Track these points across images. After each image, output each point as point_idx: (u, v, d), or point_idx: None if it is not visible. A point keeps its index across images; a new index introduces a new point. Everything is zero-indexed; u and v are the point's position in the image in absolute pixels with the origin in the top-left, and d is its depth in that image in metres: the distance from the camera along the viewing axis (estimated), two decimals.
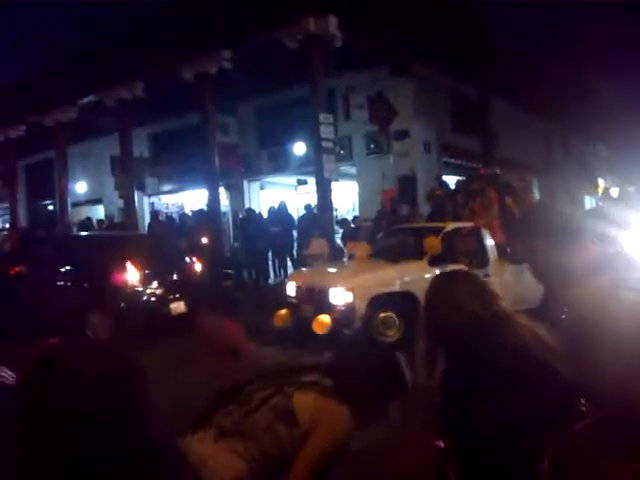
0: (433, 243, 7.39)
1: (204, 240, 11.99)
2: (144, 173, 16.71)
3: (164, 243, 10.25)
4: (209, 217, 13.53)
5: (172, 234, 12.47)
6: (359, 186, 15.35)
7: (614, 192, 12.22)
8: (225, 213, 16.30)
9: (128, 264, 7.80)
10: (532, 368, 1.52)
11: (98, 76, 14.38)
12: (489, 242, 7.78)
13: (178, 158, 17.19)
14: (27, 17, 19.04)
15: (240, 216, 14.99)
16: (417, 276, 7.18)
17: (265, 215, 13.66)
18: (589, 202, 20.25)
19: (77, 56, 15.03)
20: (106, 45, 14.17)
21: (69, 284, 7.93)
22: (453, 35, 13.23)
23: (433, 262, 7.25)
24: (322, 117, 11.40)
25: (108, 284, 7.66)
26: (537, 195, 19.47)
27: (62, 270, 8.09)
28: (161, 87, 13.97)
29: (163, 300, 8.05)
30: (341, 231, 13.13)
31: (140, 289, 7.91)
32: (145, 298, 7.95)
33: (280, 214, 13.06)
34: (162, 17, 13.18)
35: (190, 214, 15.28)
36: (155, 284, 8.12)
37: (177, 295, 8.18)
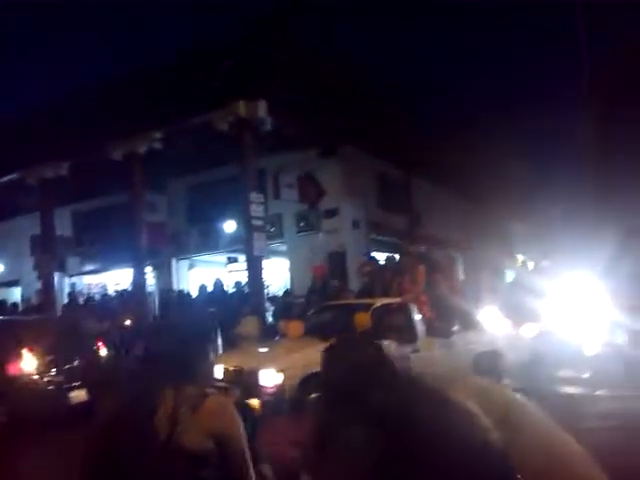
0: (363, 319, 7.45)
1: (127, 322, 11.47)
2: (66, 253, 16.06)
3: (68, 327, 9.75)
4: (134, 297, 13.03)
5: (93, 316, 11.88)
6: (290, 263, 15.41)
7: (530, 265, 12.96)
8: (151, 293, 15.78)
9: (24, 351, 7.34)
10: None
11: (20, 154, 13.99)
12: (417, 317, 7.89)
13: (103, 237, 16.73)
14: None
15: (171, 295, 14.56)
16: None
17: (196, 294, 13.33)
18: (510, 274, 21.17)
19: None
20: (29, 123, 13.91)
21: None
22: (378, 120, 14.01)
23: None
24: (252, 196, 11.53)
25: (2, 372, 7.18)
26: (461, 270, 20.26)
27: None
28: (87, 166, 13.73)
29: (62, 388, 7.61)
30: (272, 308, 12.97)
31: (36, 377, 7.46)
32: (42, 386, 7.48)
33: (215, 293, 12.77)
34: (89, 97, 13.18)
35: (113, 295, 14.66)
36: (54, 371, 7.68)
37: (78, 382, 7.77)
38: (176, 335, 1.79)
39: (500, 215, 23.41)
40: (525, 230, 27.00)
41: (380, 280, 10.00)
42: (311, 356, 7.14)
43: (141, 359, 1.70)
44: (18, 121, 14.55)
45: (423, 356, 7.03)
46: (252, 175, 11.83)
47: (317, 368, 6.36)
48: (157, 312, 15.91)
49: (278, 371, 6.64)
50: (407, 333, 7.42)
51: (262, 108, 11.64)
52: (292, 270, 15.30)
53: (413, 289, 9.11)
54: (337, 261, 14.00)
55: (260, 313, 10.99)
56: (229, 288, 13.16)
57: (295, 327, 8.41)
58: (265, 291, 13.74)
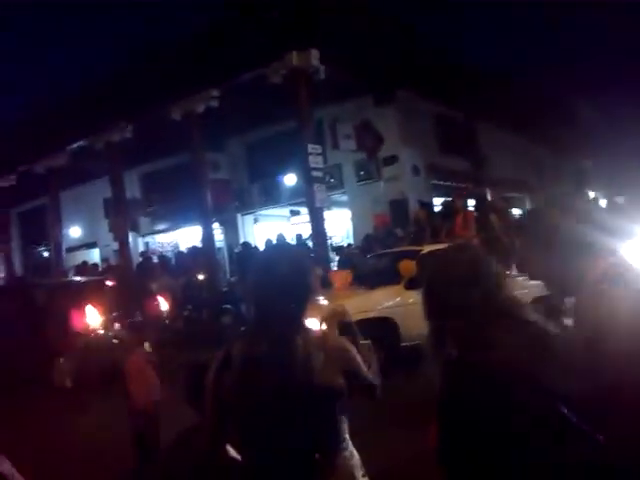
0: (408, 267, 7.38)
1: (201, 277, 11.96)
2: (137, 214, 16.76)
3: (129, 285, 10.32)
4: (204, 253, 13.51)
5: (167, 272, 12.45)
6: (352, 213, 15.42)
7: (602, 203, 12.37)
8: (220, 249, 16.30)
9: (89, 307, 7.83)
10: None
11: (86, 121, 14.54)
12: None
13: (170, 197, 17.27)
14: (13, 66, 19.40)
15: (235, 250, 14.98)
16: (393, 301, 7.19)
17: (262, 248, 13.64)
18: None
19: (64, 102, 15.21)
20: (93, 90, 14.37)
21: (31, 332, 7.89)
22: (435, 61, 13.51)
23: (410, 286, 7.23)
24: (310, 148, 11.52)
25: (70, 329, 7.71)
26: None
27: (23, 319, 8.09)
28: (150, 128, 14.10)
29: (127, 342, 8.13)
30: (337, 258, 13.12)
31: (102, 331, 7.97)
32: (107, 340, 7.97)
33: None
34: (147, 60, 13.41)
35: (185, 252, 15.26)
36: (118, 326, 8.18)
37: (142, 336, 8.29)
38: (287, 262, 1.75)
39: (569, 154, 22.33)
40: (596, 167, 25.69)
41: (431, 226, 9.85)
42: (354, 304, 7.02)
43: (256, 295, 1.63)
44: (83, 89, 15.07)
45: None
46: (309, 127, 11.78)
47: (360, 316, 6.36)
48: (227, 266, 16.50)
49: (319, 320, 6.60)
50: None
51: (314, 57, 11.46)
52: (354, 220, 15.32)
53: (464, 233, 8.93)
54: (399, 209, 13.88)
55: (324, 264, 11.16)
56: (292, 241, 13.38)
57: (341, 277, 8.38)
58: (328, 242, 13.89)
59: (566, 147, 21.10)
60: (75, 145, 16.07)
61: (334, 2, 11.32)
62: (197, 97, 12.99)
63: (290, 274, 1.72)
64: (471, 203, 11.26)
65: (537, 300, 7.81)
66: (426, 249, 8.07)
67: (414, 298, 7.17)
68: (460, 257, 1.58)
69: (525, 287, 8.60)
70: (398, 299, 7.20)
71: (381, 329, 6.92)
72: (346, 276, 8.44)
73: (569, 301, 1.50)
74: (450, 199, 11.48)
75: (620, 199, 10.75)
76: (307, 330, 1.73)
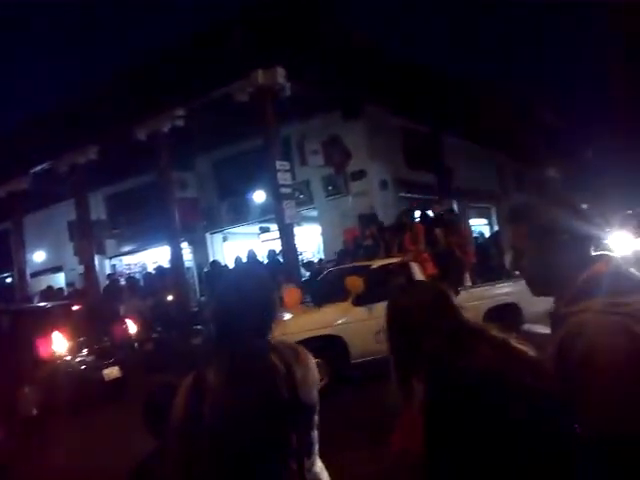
0: (355, 283, 7.38)
1: (170, 297, 11.77)
2: (103, 236, 16.47)
3: (97, 308, 10.16)
4: (173, 274, 13.33)
5: (135, 295, 12.24)
6: (322, 228, 15.46)
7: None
8: (189, 268, 16.11)
9: (55, 334, 7.67)
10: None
11: (50, 144, 14.29)
12: (419, 276, 7.70)
13: (137, 218, 17.06)
14: None
15: (205, 269, 14.82)
16: (341, 318, 7.18)
17: (231, 266, 13.52)
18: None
19: (26, 125, 14.93)
20: (57, 112, 14.16)
21: None
22: (400, 77, 13.73)
23: (358, 302, 7.26)
24: (278, 164, 11.53)
25: (35, 356, 7.52)
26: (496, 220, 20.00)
27: None
28: (115, 149, 13.93)
29: (95, 367, 8.02)
30: (307, 274, 13.10)
31: (69, 358, 7.82)
32: (75, 367, 7.85)
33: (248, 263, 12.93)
34: (111, 81, 13.29)
35: (153, 272, 15.03)
36: (85, 351, 8.08)
37: (111, 360, 8.19)
38: (255, 280, 1.76)
39: (533, 162, 22.89)
40: (559, 177, 26.40)
41: (383, 241, 9.93)
42: (300, 322, 7.13)
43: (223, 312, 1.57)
44: (46, 111, 14.82)
45: None
46: (276, 143, 11.80)
47: (306, 334, 6.29)
48: (197, 286, 16.28)
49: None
50: None
51: (280, 74, 11.53)
52: (324, 235, 15.36)
53: (413, 247, 9.01)
54: (368, 223, 13.97)
55: (295, 280, 11.12)
56: (263, 258, 13.31)
57: (290, 294, 8.28)
58: (299, 258, 13.86)
59: (530, 157, 21.64)
60: (38, 168, 15.76)
61: (300, 20, 11.43)
62: (163, 117, 12.91)
63: (257, 291, 1.72)
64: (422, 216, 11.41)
65: (492, 310, 7.95)
66: (376, 264, 8.12)
67: (362, 314, 7.20)
68: (428, 287, 1.71)
69: (481, 298, 8.70)
70: (346, 316, 7.20)
71: (330, 347, 6.93)
72: (296, 293, 8.37)
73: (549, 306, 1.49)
74: (400, 213, 11.59)
75: (584, 206, 11.06)
76: (278, 345, 1.70)
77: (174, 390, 1.69)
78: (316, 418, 1.70)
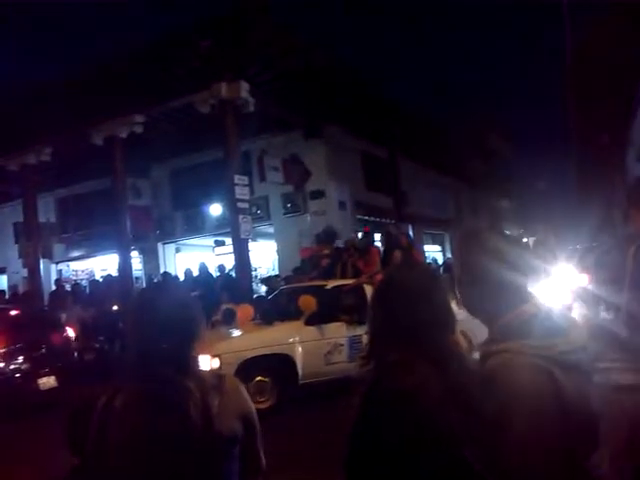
0: (308, 302, 7.38)
1: (114, 307, 11.42)
2: (51, 239, 15.92)
3: (35, 315, 9.80)
4: (121, 283, 12.95)
5: (79, 302, 11.83)
6: (278, 245, 15.39)
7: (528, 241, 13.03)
8: (139, 278, 15.71)
9: None
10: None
11: (1, 141, 13.76)
12: None
13: (88, 223, 16.62)
14: None
15: (155, 280, 14.47)
16: (292, 337, 7.12)
17: (182, 278, 13.27)
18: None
19: None
20: (8, 108, 13.66)
21: None
22: (361, 100, 13.93)
23: (310, 321, 7.24)
24: (237, 178, 11.44)
25: None
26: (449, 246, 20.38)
27: None
28: (69, 151, 13.54)
29: (30, 375, 7.74)
30: (264, 290, 12.95)
31: (2, 365, 7.54)
32: (8, 374, 7.57)
33: (200, 277, 12.73)
34: (70, 81, 12.94)
35: (100, 280, 14.58)
36: (21, 359, 7.79)
37: (46, 369, 7.93)
38: (171, 300, 1.66)
39: (487, 192, 23.52)
40: (511, 206, 27.20)
41: (338, 262, 9.99)
42: (250, 340, 7.09)
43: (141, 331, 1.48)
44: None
45: None
46: (236, 157, 11.71)
47: (255, 353, 6.20)
48: None
49: (213, 356, 6.35)
50: (360, 314, 7.08)
51: (244, 89, 11.49)
52: (280, 252, 15.28)
53: (367, 269, 9.12)
54: (327, 241, 13.99)
55: (247, 296, 10.97)
56: (215, 272, 13.12)
57: (242, 312, 8.23)
58: (253, 274, 13.72)
59: (484, 186, 22.25)
60: None
61: (266, 37, 11.46)
62: (120, 122, 12.65)
63: (172, 311, 1.61)
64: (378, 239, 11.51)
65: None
66: (330, 284, 8.12)
67: (313, 334, 7.18)
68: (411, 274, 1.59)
69: None
70: (297, 336, 7.14)
71: (279, 366, 6.86)
72: (248, 311, 8.29)
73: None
74: (352, 236, 11.68)
75: (532, 239, 11.43)
76: (199, 371, 1.62)
77: (93, 407, 1.58)
78: (238, 450, 1.60)
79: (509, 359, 1.32)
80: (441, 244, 21.38)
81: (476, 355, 1.54)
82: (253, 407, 1.69)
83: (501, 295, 1.44)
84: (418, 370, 1.36)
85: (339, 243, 11.98)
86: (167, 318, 1.59)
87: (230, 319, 8.22)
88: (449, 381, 1.35)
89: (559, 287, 6.04)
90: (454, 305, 1.54)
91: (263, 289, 12.87)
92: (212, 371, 1.69)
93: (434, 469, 1.30)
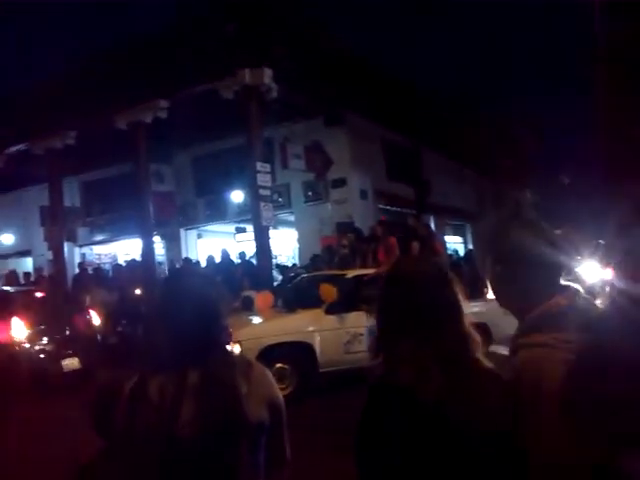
0: (329, 291, 7.38)
1: (138, 291, 11.53)
2: (75, 223, 16.14)
3: (60, 297, 10.00)
4: (143, 267, 13.09)
5: (102, 286, 11.99)
6: (298, 233, 15.38)
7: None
8: (161, 263, 15.87)
9: (14, 319, 7.50)
10: None
11: (26, 125, 13.97)
12: None
13: (111, 207, 16.79)
14: None
15: (177, 266, 14.60)
16: (312, 326, 7.13)
17: (204, 264, 13.37)
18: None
19: (4, 104, 14.55)
20: (35, 93, 13.83)
21: None
22: (384, 88, 13.79)
23: (330, 310, 7.24)
24: (259, 165, 11.44)
25: None
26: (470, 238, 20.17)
27: None
28: (94, 136, 13.66)
29: (54, 356, 7.88)
30: (280, 277, 12.99)
31: (28, 345, 7.68)
32: (33, 354, 7.73)
33: (222, 263, 12.80)
34: (96, 66, 13.04)
35: (123, 265, 14.76)
36: (45, 340, 7.94)
37: (70, 351, 8.07)
38: (200, 287, 1.64)
39: (513, 183, 23.17)
40: (535, 199, 26.77)
41: (359, 251, 9.95)
42: (271, 327, 7.16)
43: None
44: (25, 91, 14.47)
45: None
46: (258, 144, 11.71)
47: (277, 339, 6.25)
48: None
49: (234, 342, 6.36)
50: None
51: (267, 75, 11.45)
52: (300, 240, 15.29)
53: (387, 259, 9.07)
54: (345, 231, 13.94)
55: (265, 285, 10.99)
56: (236, 258, 13.18)
57: (263, 299, 8.27)
58: (274, 261, 13.75)
59: (509, 178, 21.93)
60: (13, 149, 15.37)
61: (290, 23, 11.39)
62: (145, 107, 12.71)
63: (202, 296, 1.60)
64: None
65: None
66: (351, 274, 8.10)
67: (333, 323, 7.18)
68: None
69: None
70: (317, 324, 7.15)
71: (298, 354, 6.88)
72: (268, 298, 8.33)
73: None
74: (376, 224, 11.60)
75: (557, 232, 11.24)
76: (230, 356, 1.61)
77: (120, 391, 1.59)
78: (265, 440, 1.58)
79: (541, 353, 1.29)
80: (463, 235, 21.16)
81: (495, 348, 1.51)
82: (281, 395, 1.67)
83: (539, 282, 1.40)
84: (419, 365, 1.34)
85: (365, 231, 11.90)
86: (197, 303, 1.58)
87: (249, 305, 8.27)
88: (452, 376, 1.33)
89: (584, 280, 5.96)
90: (463, 298, 1.48)
91: (279, 276, 12.91)
92: (242, 356, 1.68)
93: (436, 462, 1.29)
